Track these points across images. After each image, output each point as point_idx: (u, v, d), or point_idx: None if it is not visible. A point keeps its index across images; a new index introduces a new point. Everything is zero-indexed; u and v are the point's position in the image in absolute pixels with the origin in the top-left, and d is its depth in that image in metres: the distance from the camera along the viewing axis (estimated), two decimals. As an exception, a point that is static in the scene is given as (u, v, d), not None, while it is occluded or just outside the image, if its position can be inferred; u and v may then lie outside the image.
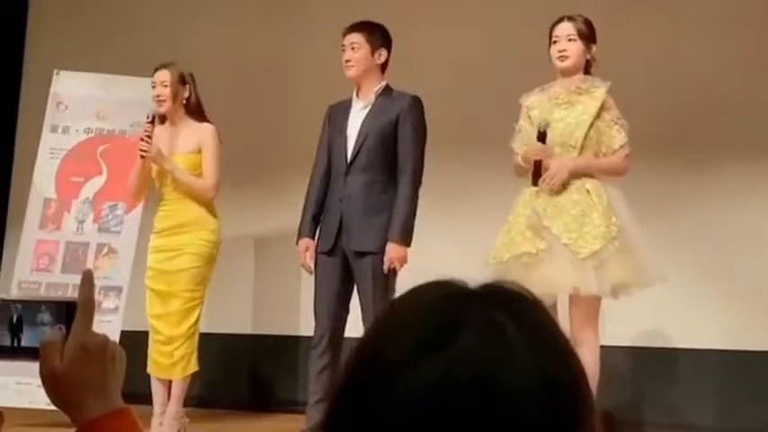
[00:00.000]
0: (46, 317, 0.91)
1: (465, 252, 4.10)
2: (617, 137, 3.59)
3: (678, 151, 4.52)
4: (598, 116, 3.58)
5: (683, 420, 4.38)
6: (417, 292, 0.70)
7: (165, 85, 4.12)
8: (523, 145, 3.65)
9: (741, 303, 4.34)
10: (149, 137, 4.06)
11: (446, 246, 4.46)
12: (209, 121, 4.21)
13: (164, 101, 4.13)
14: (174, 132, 4.18)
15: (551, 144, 3.53)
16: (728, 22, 4.53)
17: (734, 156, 4.46)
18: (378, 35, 3.87)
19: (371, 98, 3.84)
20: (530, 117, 3.67)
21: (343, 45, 3.85)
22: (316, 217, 3.88)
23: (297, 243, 3.90)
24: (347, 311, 3.80)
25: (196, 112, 4.18)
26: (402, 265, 3.68)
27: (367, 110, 3.83)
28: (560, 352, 0.68)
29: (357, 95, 3.88)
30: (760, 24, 4.47)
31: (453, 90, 4.80)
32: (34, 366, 0.88)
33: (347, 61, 3.82)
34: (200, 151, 4.15)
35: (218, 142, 4.16)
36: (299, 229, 3.91)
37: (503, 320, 0.66)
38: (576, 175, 3.53)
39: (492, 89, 4.65)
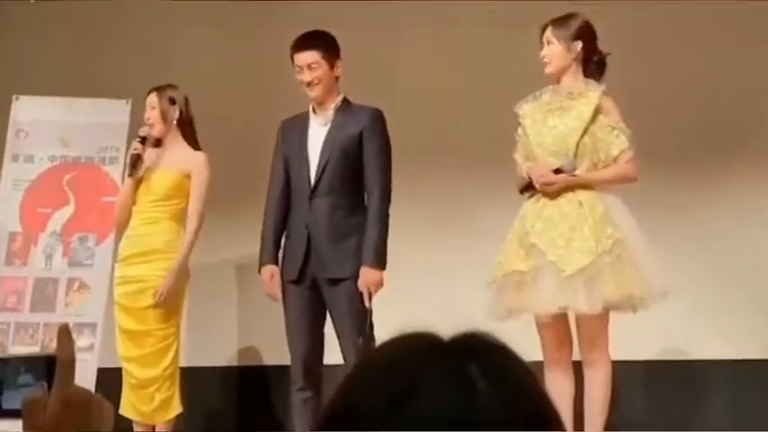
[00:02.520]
0: (27, 378, 0.92)
1: (460, 270, 3.92)
2: (615, 143, 3.42)
3: (687, 158, 4.38)
4: (593, 121, 3.40)
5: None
6: (389, 346, 0.71)
7: (153, 108, 4.03)
8: (523, 156, 3.53)
9: (757, 311, 4.20)
10: (138, 156, 3.95)
11: (439, 263, 4.36)
12: (200, 149, 4.07)
13: (152, 124, 4.03)
14: (164, 152, 4.05)
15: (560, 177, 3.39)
16: (736, 28, 4.37)
17: (746, 160, 4.35)
18: (332, 47, 3.66)
19: (330, 114, 3.64)
20: (524, 126, 3.53)
21: (298, 65, 3.63)
22: (277, 242, 3.70)
23: (259, 271, 3.71)
24: (322, 340, 3.64)
25: (189, 136, 4.06)
26: (378, 289, 3.53)
27: (327, 128, 3.64)
28: (529, 400, 0.69)
29: (314, 112, 3.68)
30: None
31: (443, 103, 4.65)
32: (17, 425, 0.88)
33: (309, 82, 3.61)
34: (186, 175, 4.00)
35: (208, 174, 4.01)
36: (261, 257, 3.71)
37: (470, 372, 0.67)
38: (570, 187, 3.37)
39: (485, 102, 4.50)
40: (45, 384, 0.88)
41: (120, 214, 4.07)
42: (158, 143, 4.07)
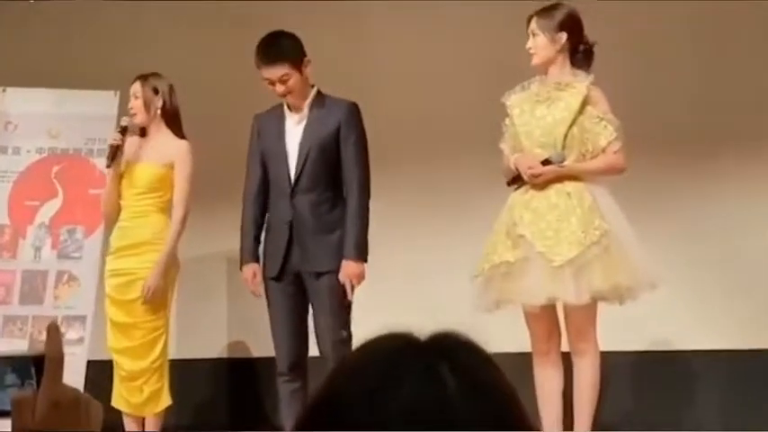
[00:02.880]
0: (13, 378, 0.91)
1: (451, 263, 3.92)
2: (603, 134, 3.42)
3: (678, 149, 4.38)
4: (581, 112, 3.40)
5: (690, 425, 4.21)
6: (367, 345, 0.76)
7: (136, 97, 3.98)
8: (510, 146, 3.52)
9: (744, 302, 4.21)
10: (118, 146, 3.90)
11: (421, 259, 4.36)
12: (185, 138, 4.02)
13: (135, 113, 3.98)
14: (147, 142, 4.00)
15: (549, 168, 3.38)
16: (724, 18, 4.36)
17: (736, 152, 4.34)
18: (298, 51, 3.59)
19: (305, 110, 3.63)
20: (511, 117, 3.52)
21: (269, 79, 3.55)
22: (257, 238, 3.70)
23: (240, 269, 3.71)
24: (307, 333, 3.65)
25: (174, 123, 4.00)
26: (359, 282, 3.55)
27: (303, 124, 3.63)
28: (496, 398, 0.72)
29: (289, 108, 3.66)
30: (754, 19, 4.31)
31: (424, 96, 4.63)
32: (5, 425, 0.87)
33: (283, 94, 3.58)
34: (169, 166, 3.96)
35: (192, 162, 3.97)
36: (242, 255, 3.72)
37: (440, 370, 0.71)
38: (558, 178, 3.37)
39: (471, 93, 4.49)
40: (34, 384, 0.88)
41: (106, 207, 4.05)
42: (143, 132, 4.03)
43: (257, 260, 3.68)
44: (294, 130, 3.63)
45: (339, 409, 0.72)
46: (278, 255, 3.59)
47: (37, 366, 0.89)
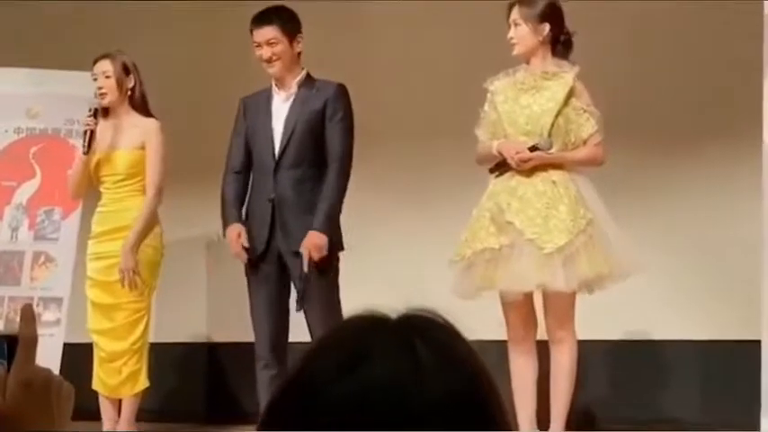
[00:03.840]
0: None
1: (438, 252, 3.93)
2: (585, 125, 3.45)
3: (655, 140, 4.41)
4: (566, 103, 3.41)
5: (665, 415, 4.26)
6: (340, 325, 0.79)
7: (108, 76, 3.87)
8: (489, 132, 3.48)
9: (720, 293, 4.24)
10: (92, 132, 3.82)
11: (420, 246, 4.34)
12: (153, 116, 3.94)
13: (105, 94, 3.87)
14: (117, 126, 3.93)
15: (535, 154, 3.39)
16: (712, 15, 4.37)
17: (713, 145, 4.35)
18: (291, 22, 3.62)
19: (294, 89, 3.62)
20: (494, 103, 3.49)
21: (257, 42, 3.58)
22: (240, 203, 3.66)
23: (224, 234, 3.66)
24: (287, 317, 3.62)
25: (141, 104, 3.93)
26: (319, 254, 3.47)
27: (290, 101, 3.61)
28: (468, 370, 0.75)
29: (277, 87, 3.65)
30: (744, 18, 4.32)
31: (422, 86, 4.62)
32: None
33: (268, 59, 3.57)
34: (143, 147, 3.92)
35: (162, 140, 3.91)
36: (225, 218, 3.67)
37: (412, 343, 0.73)
38: (543, 166, 3.38)
39: (460, 85, 4.49)
40: (5, 363, 0.87)
41: (72, 189, 4.01)
42: (106, 113, 3.93)
43: (241, 221, 3.63)
44: (281, 108, 3.62)
45: (313, 385, 0.73)
46: (261, 233, 3.56)
47: (10, 347, 0.87)
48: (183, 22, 4.97)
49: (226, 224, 3.66)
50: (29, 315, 0.89)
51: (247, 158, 3.66)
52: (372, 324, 0.76)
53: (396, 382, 0.72)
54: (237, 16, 4.08)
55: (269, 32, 3.56)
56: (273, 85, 3.66)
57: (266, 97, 3.66)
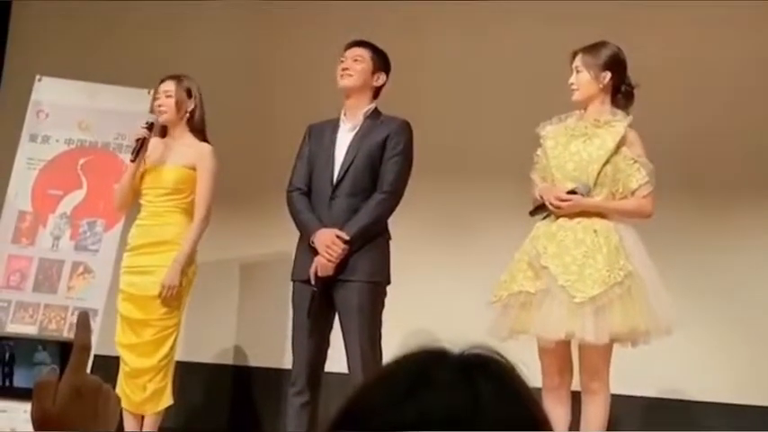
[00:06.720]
0: (43, 356, 0.92)
1: (474, 289, 3.91)
2: (635, 176, 3.42)
3: (700, 195, 4.36)
4: (616, 152, 3.41)
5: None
6: (402, 356, 0.79)
7: (169, 96, 3.99)
8: (540, 177, 3.50)
9: (759, 357, 4.16)
10: (144, 140, 3.90)
11: (456, 283, 4.31)
12: (208, 142, 4.03)
13: (164, 111, 3.98)
14: (171, 144, 4.02)
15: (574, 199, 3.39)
16: (753, 63, 4.37)
17: (759, 204, 4.32)
18: (382, 58, 3.73)
19: (359, 119, 3.65)
20: (545, 148, 3.52)
21: (344, 57, 3.68)
22: (313, 212, 3.59)
23: (311, 242, 3.53)
24: (327, 345, 3.59)
25: (199, 129, 4.02)
26: (328, 253, 3.44)
27: (354, 131, 3.65)
28: (526, 407, 0.76)
29: (345, 115, 3.69)
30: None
31: (462, 120, 4.65)
32: (26, 406, 0.87)
33: (345, 69, 3.65)
34: (193, 168, 3.98)
35: (215, 164, 3.98)
36: (308, 225, 3.57)
37: (472, 377, 0.74)
38: (587, 213, 3.35)
39: (505, 119, 4.50)
40: (57, 368, 0.89)
41: (119, 199, 4.06)
42: (164, 133, 4.03)
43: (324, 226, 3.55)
44: (345, 137, 3.66)
45: (372, 412, 0.73)
46: (310, 259, 3.54)
47: (63, 352, 0.89)
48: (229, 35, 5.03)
49: (307, 230, 3.58)
50: (85, 323, 0.90)
51: (309, 184, 3.67)
52: (433, 356, 0.77)
53: (454, 412, 0.72)
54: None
55: (358, 51, 3.69)
56: (342, 114, 3.71)
57: (333, 125, 3.70)
